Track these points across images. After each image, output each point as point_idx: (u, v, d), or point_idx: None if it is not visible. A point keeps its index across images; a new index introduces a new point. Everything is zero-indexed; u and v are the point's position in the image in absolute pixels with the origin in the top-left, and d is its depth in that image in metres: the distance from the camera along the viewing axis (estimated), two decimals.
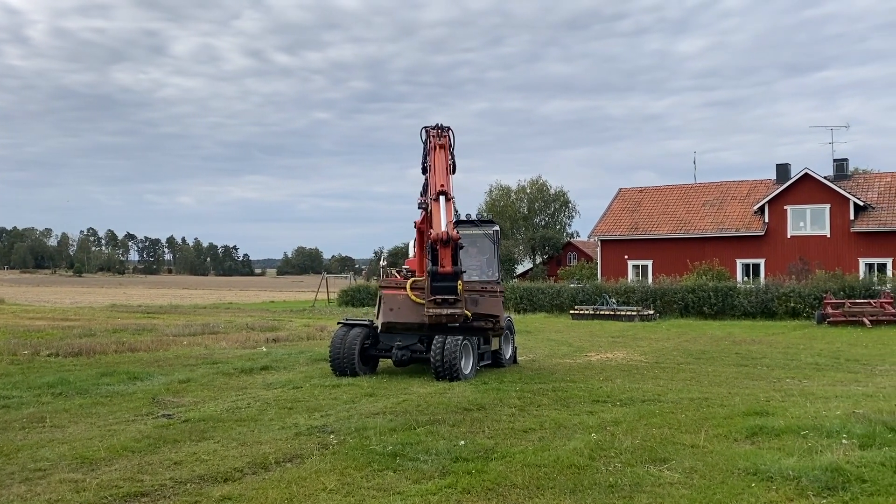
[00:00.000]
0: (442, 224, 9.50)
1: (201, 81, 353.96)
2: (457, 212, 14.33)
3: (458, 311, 9.29)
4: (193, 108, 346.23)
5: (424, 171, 12.08)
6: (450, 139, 11.56)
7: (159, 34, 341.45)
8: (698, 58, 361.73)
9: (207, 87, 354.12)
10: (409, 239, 16.65)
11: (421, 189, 13.52)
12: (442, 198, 10.18)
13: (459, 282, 9.30)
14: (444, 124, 11.77)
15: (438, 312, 9.25)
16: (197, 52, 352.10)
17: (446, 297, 9.18)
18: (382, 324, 10.05)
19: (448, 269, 9.15)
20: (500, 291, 10.57)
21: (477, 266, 15.12)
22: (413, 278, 10.24)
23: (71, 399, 11.38)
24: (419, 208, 13.52)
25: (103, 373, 13.79)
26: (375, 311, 11.05)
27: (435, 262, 9.25)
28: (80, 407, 10.78)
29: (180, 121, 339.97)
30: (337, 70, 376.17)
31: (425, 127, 11.94)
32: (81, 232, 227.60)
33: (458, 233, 9.49)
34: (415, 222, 14.21)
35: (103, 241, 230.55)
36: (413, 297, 9.74)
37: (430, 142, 11.47)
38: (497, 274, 14.77)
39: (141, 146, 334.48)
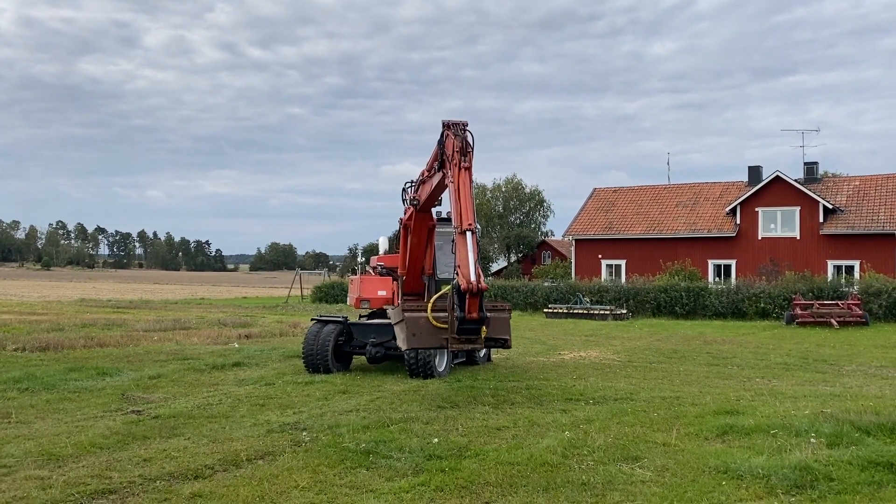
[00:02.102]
0: (471, 272, 9.78)
1: (173, 74, 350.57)
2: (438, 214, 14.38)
3: (479, 345, 10.23)
4: (165, 100, 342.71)
5: (437, 167, 11.58)
6: (472, 149, 10.89)
7: (130, 25, 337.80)
8: (670, 60, 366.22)
9: (179, 80, 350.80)
10: (382, 235, 16.61)
11: (411, 184, 13.38)
12: (469, 234, 10.21)
13: (483, 328, 10.02)
14: (463, 121, 10.97)
15: (461, 348, 10.20)
16: (169, 45, 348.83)
17: (470, 336, 10.01)
18: (407, 349, 10.80)
19: (475, 316, 9.81)
20: (507, 310, 11.21)
21: (452, 264, 15.14)
22: (433, 298, 10.58)
23: (37, 394, 11.19)
24: (411, 204, 13.22)
25: (71, 368, 13.58)
26: (392, 318, 11.22)
27: (462, 307, 9.74)
28: (46, 402, 10.60)
29: (151, 114, 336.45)
30: (311, 65, 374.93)
31: (447, 124, 11.08)
32: (50, 225, 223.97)
33: (486, 283, 9.97)
34: (400, 219, 14.04)
35: (72, 235, 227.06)
36: (434, 323, 10.23)
37: (452, 156, 10.77)
38: None
39: (110, 139, 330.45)
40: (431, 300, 10.50)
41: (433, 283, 14.46)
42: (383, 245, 16.09)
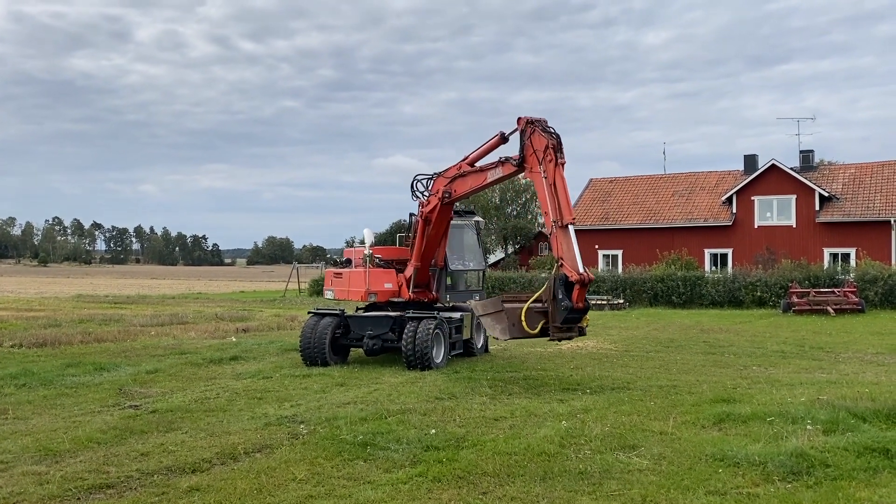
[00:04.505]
0: (579, 264, 10.39)
1: (166, 68, 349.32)
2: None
3: (575, 334, 10.92)
4: (158, 95, 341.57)
5: (517, 163, 11.68)
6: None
7: (121, 20, 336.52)
8: (664, 49, 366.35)
9: (172, 74, 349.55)
10: (378, 229, 16.53)
11: (428, 177, 13.47)
12: (570, 227, 10.71)
13: (586, 318, 10.77)
14: (543, 119, 11.36)
15: (562, 336, 10.85)
16: (160, 39, 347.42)
17: (572, 325, 10.65)
18: (508, 339, 11.44)
19: (582, 305, 10.43)
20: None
21: (459, 256, 15.26)
22: (535, 296, 11.03)
23: (35, 390, 11.18)
24: (440, 198, 13.24)
25: (68, 364, 13.56)
26: (480, 310, 11.83)
27: (569, 295, 10.32)
28: (44, 398, 10.59)
29: (144, 108, 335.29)
30: (304, 58, 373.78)
31: (528, 120, 11.33)
32: (46, 221, 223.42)
33: (592, 274, 10.59)
34: (421, 211, 13.92)
35: (69, 231, 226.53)
36: (524, 325, 10.84)
37: (546, 153, 11.00)
38: (483, 263, 15.00)
39: (104, 134, 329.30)
40: (534, 296, 11.00)
41: (443, 275, 14.62)
42: (369, 237, 15.91)
